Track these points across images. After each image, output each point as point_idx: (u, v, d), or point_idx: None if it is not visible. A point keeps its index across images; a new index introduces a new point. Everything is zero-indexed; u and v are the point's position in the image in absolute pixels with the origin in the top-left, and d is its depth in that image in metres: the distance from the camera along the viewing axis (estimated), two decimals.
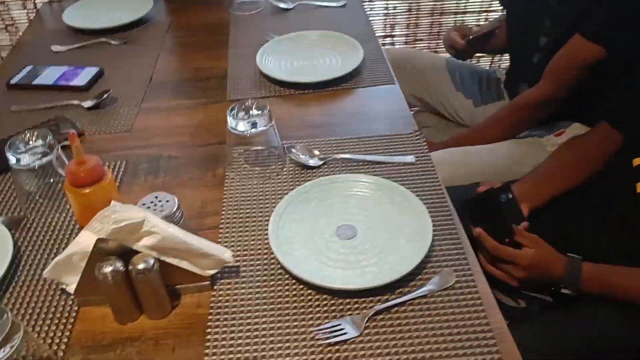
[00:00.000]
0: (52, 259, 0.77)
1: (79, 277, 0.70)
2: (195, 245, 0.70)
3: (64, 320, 0.71)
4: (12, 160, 0.81)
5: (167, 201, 0.75)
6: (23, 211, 0.88)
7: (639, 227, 0.96)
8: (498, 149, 1.29)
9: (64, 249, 0.74)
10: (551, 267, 0.95)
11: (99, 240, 0.67)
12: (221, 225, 0.84)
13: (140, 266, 0.66)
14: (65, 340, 0.69)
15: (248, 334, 0.68)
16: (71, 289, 0.72)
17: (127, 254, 0.68)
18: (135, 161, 0.98)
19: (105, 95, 1.13)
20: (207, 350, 0.67)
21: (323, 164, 0.94)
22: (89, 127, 1.07)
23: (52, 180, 0.86)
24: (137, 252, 0.68)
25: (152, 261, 0.67)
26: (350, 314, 0.70)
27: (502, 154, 1.27)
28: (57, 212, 0.86)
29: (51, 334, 0.70)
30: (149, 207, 0.74)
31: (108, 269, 0.66)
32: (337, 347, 0.66)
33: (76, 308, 0.73)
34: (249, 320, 0.70)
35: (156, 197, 0.75)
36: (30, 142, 0.82)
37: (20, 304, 0.73)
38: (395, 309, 0.70)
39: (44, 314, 0.72)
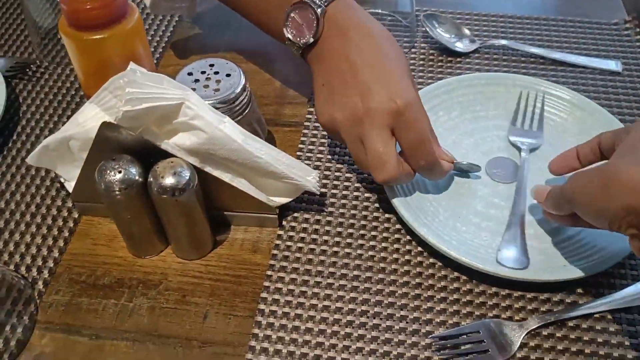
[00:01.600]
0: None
1: (79, 172, 0.44)
2: (262, 157, 0.42)
3: (56, 232, 0.47)
4: None
5: (228, 75, 0.45)
6: (35, 53, 0.62)
7: None
8: None
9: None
10: None
11: (105, 125, 0.40)
12: (307, 123, 0.55)
13: (168, 181, 0.39)
14: (52, 265, 0.45)
15: (324, 315, 0.42)
16: (70, 186, 0.47)
17: (150, 153, 0.41)
18: (194, 6, 0.68)
19: None
20: (255, 330, 0.41)
21: (475, 50, 0.61)
22: None
23: None
24: (167, 154, 0.41)
25: (187, 174, 0.40)
26: (498, 316, 0.42)
27: None
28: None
29: (33, 251, 0.46)
30: (197, 81, 0.45)
31: (115, 177, 0.39)
32: None
33: (76, 216, 0.48)
34: (328, 292, 0.43)
35: (211, 65, 0.46)
36: None
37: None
38: (575, 322, 0.41)
39: (29, 217, 0.48)
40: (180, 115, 0.39)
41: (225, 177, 0.43)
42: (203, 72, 0.45)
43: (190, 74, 0.45)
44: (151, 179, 0.40)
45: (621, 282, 0.43)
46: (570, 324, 0.41)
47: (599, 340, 0.40)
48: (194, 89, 0.43)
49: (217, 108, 0.43)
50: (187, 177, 0.40)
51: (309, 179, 0.44)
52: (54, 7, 0.59)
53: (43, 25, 0.59)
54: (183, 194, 0.40)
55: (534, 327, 0.41)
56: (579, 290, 0.43)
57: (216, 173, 0.43)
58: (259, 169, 0.42)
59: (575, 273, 0.41)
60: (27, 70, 0.59)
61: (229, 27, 0.66)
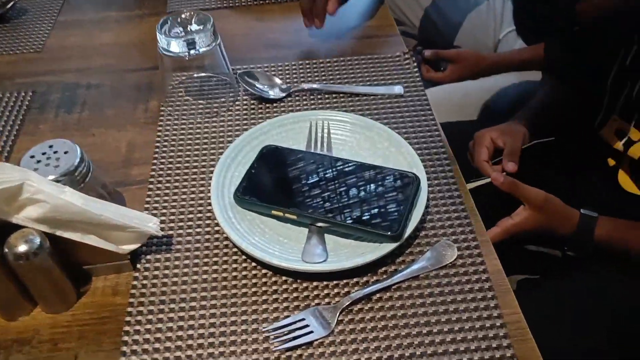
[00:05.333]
0: None
1: None
2: (104, 215, 0.50)
3: None
4: None
5: (66, 152, 0.54)
6: None
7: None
8: (500, 84, 1.09)
9: None
10: (559, 224, 0.79)
11: None
12: (151, 180, 0.64)
13: (21, 248, 0.47)
14: None
15: (180, 333, 0.50)
16: None
17: (5, 229, 0.48)
18: (45, 91, 0.76)
19: (10, 4, 0.89)
20: (122, 358, 0.49)
21: (286, 96, 0.73)
22: None
23: None
24: (19, 227, 0.48)
25: (37, 240, 0.47)
26: (318, 304, 0.52)
27: (505, 89, 1.08)
28: None
29: None
30: (39, 162, 0.53)
31: None
32: (299, 352, 0.49)
33: None
34: (181, 314, 0.52)
35: (50, 146, 0.54)
36: None
37: None
38: (378, 295, 0.53)
39: None
40: (23, 193, 0.47)
41: (76, 236, 0.51)
42: (44, 153, 0.54)
43: (32, 156, 0.53)
44: (6, 250, 0.47)
45: (405, 259, 0.56)
46: (374, 297, 0.53)
47: (397, 305, 0.52)
48: (36, 169, 0.51)
49: (59, 181, 0.51)
50: (38, 243, 0.47)
51: (150, 225, 0.53)
52: None
53: None
54: (37, 257, 0.47)
55: (346, 305, 0.52)
56: (380, 271, 0.55)
57: (67, 235, 0.51)
58: (103, 225, 0.51)
59: (369, 259, 0.53)
60: None
61: (75, 106, 0.74)
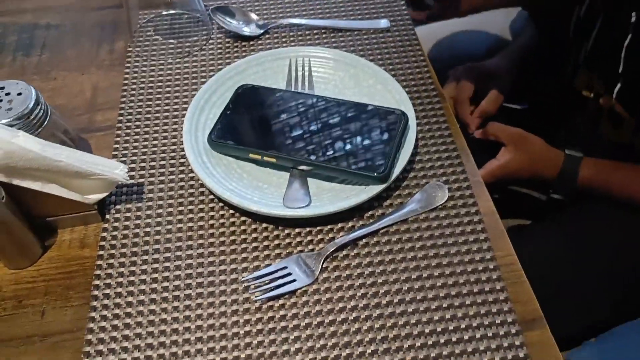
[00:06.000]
0: None
1: None
2: (63, 161, 0.46)
3: None
4: None
5: (19, 94, 0.49)
6: None
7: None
8: (490, 21, 1.05)
9: None
10: (543, 166, 0.77)
11: None
12: (119, 125, 0.59)
13: None
14: None
15: (153, 285, 0.47)
16: None
17: None
18: (1, 32, 0.70)
19: None
20: (92, 313, 0.46)
21: (264, 32, 0.68)
22: None
23: None
24: None
25: None
26: (301, 252, 0.49)
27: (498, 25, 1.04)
28: None
29: None
30: None
31: None
32: (282, 301, 0.46)
33: None
34: (155, 266, 0.48)
35: (2, 88, 0.49)
36: None
37: None
38: (365, 241, 0.50)
39: None
40: None
41: (35, 185, 0.47)
42: None
43: None
44: None
45: (393, 202, 0.52)
46: (360, 243, 0.50)
47: (385, 250, 0.49)
48: None
49: (13, 125, 0.47)
50: None
51: (117, 172, 0.49)
52: None
53: None
54: None
55: (330, 251, 0.48)
56: (367, 215, 0.51)
57: (24, 184, 0.46)
58: (64, 172, 0.47)
59: (354, 202, 0.49)
60: None
61: (34, 48, 0.68)
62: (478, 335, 0.44)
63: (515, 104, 0.99)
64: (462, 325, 0.44)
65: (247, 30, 0.67)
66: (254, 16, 0.69)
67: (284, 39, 0.68)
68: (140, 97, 0.62)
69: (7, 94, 0.49)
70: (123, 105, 0.61)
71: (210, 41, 0.67)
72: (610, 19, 0.72)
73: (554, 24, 0.90)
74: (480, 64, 0.92)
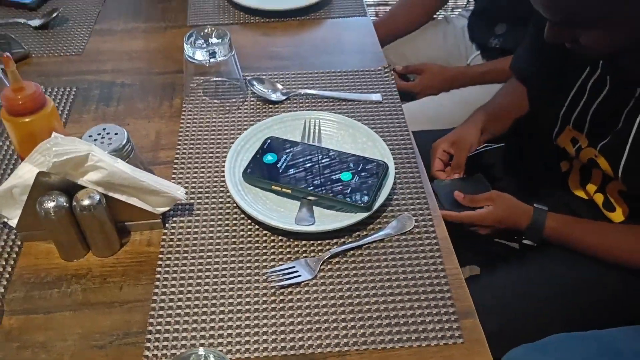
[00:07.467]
0: None
1: (20, 211, 0.66)
2: (145, 181, 0.66)
3: (6, 256, 0.68)
4: None
5: (116, 134, 0.70)
6: None
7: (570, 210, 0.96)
8: (470, 97, 1.26)
9: (5, 179, 0.69)
10: (515, 219, 0.94)
11: (40, 174, 0.63)
12: (176, 160, 0.80)
13: (85, 202, 0.63)
14: (7, 276, 0.66)
15: (199, 274, 0.66)
16: (13, 222, 0.68)
17: (71, 189, 0.64)
18: (86, 87, 0.92)
19: (54, 14, 1.05)
20: (155, 290, 0.65)
21: (286, 99, 0.90)
22: (36, 48, 1.00)
23: None
24: (82, 187, 0.64)
25: (97, 197, 0.63)
26: (306, 257, 0.68)
27: (474, 102, 1.24)
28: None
29: None
30: (95, 140, 0.69)
31: (50, 205, 0.62)
32: (290, 289, 0.65)
33: (19, 243, 0.69)
34: (200, 260, 0.68)
35: (104, 129, 0.70)
36: None
37: None
38: (352, 252, 0.69)
39: None
40: (88, 161, 0.63)
41: (123, 197, 0.67)
42: (99, 134, 0.70)
43: (90, 135, 0.69)
44: (74, 203, 0.63)
45: (374, 227, 0.72)
46: (349, 253, 0.69)
47: (366, 259, 0.68)
48: (96, 142, 0.67)
49: (111, 155, 0.67)
50: (97, 199, 0.63)
51: (179, 192, 0.69)
52: None
53: None
54: (96, 210, 0.63)
55: (327, 257, 0.68)
56: (355, 234, 0.71)
57: (117, 196, 0.66)
58: (144, 189, 0.67)
59: (346, 223, 0.69)
60: None
61: (111, 100, 0.90)
62: (428, 320, 0.62)
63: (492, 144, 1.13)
64: (417, 313, 0.63)
65: (273, 96, 0.89)
66: (279, 86, 0.91)
67: (301, 104, 0.89)
68: (192, 141, 0.83)
69: (108, 133, 0.70)
70: (179, 146, 0.82)
71: (245, 103, 0.89)
72: (616, 91, 0.85)
73: (544, 90, 1.03)
74: (447, 138, 1.05)
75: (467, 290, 0.66)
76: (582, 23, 0.74)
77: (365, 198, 0.70)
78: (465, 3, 2.19)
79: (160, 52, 1.00)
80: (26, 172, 0.64)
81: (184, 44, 0.82)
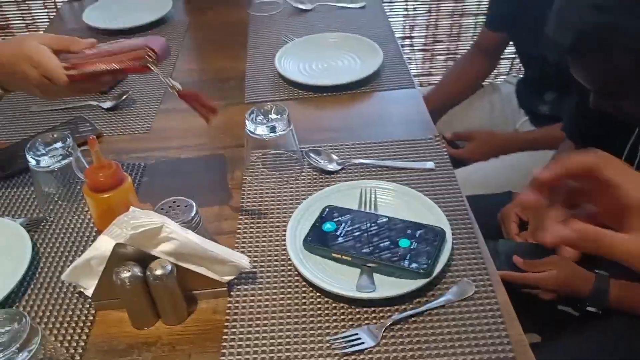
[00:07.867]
0: (71, 262, 0.78)
1: (96, 281, 0.70)
2: (212, 251, 0.70)
3: (82, 324, 0.71)
4: (32, 162, 0.81)
5: (186, 206, 0.74)
6: (42, 213, 0.88)
7: None
8: (519, 163, 1.28)
9: (82, 252, 0.74)
10: (578, 285, 0.94)
11: (117, 246, 0.67)
12: (238, 230, 0.84)
13: (158, 272, 0.66)
14: (82, 344, 0.69)
15: (264, 341, 0.68)
16: (89, 292, 0.72)
17: (145, 259, 0.68)
18: (154, 163, 0.99)
19: (124, 97, 1.14)
20: (222, 358, 0.66)
21: (342, 169, 0.93)
22: (107, 128, 1.08)
23: (71, 182, 0.86)
24: (154, 258, 0.68)
25: (169, 267, 0.67)
26: (368, 324, 0.69)
27: (524, 168, 1.26)
28: (75, 214, 0.87)
29: (68, 338, 0.70)
30: (167, 212, 0.73)
31: (126, 274, 0.66)
32: (353, 357, 0.66)
33: (93, 312, 0.73)
34: (265, 328, 0.69)
35: (174, 201, 0.75)
36: (50, 144, 0.82)
37: (38, 307, 0.74)
38: (413, 319, 0.69)
39: (62, 317, 0.72)
40: (162, 232, 0.67)
41: (192, 267, 0.70)
42: (170, 207, 0.74)
43: (162, 208, 0.74)
44: (148, 273, 0.66)
45: (435, 293, 0.73)
46: (410, 320, 0.69)
47: (427, 326, 0.68)
48: (167, 214, 0.71)
49: (181, 226, 0.71)
50: (170, 269, 0.67)
51: (243, 261, 0.72)
52: (57, 181, 0.87)
53: (50, 192, 0.86)
54: (168, 279, 0.67)
55: (388, 324, 0.68)
56: (415, 300, 0.71)
57: (186, 265, 0.70)
58: (211, 259, 0.70)
59: (406, 290, 0.70)
60: (39, 225, 0.85)
61: (177, 174, 0.96)
62: None
63: None
64: None
65: (330, 167, 0.93)
66: (334, 157, 0.95)
67: (356, 174, 0.92)
68: (254, 212, 0.86)
69: (178, 205, 0.74)
70: (241, 216, 0.86)
71: (303, 173, 0.93)
72: None
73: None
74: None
75: (532, 357, 0.65)
76: (621, 93, 0.76)
77: (425, 264, 0.72)
78: (508, 70, 2.24)
79: (221, 128, 1.06)
80: (103, 244, 0.69)
81: (246, 120, 0.87)
